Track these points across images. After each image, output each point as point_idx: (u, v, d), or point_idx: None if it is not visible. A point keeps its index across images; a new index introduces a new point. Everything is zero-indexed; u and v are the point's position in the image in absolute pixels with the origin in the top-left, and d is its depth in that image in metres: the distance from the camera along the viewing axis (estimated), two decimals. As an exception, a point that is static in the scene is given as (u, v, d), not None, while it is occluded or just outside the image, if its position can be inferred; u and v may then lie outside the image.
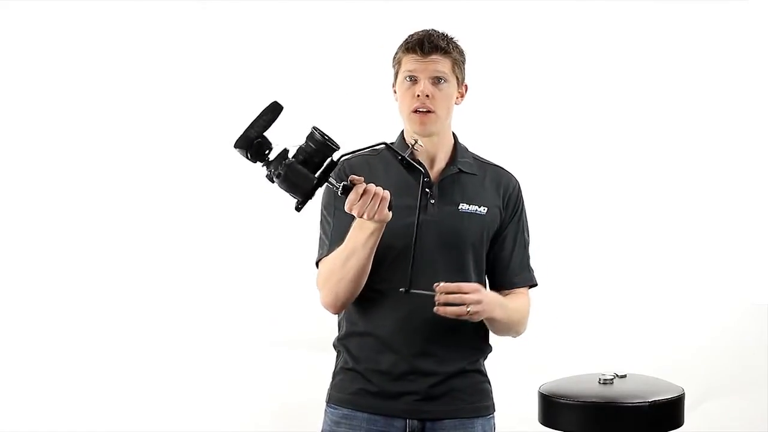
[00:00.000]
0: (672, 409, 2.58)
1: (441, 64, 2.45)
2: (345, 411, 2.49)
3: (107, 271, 4.25)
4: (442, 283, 2.32)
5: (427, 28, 2.50)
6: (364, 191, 2.24)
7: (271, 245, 4.08)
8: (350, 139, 2.64)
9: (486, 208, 2.51)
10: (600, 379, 2.65)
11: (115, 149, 4.30)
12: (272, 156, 2.21)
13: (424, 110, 2.44)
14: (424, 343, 2.45)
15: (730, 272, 4.29)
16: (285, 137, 4.19)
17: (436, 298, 2.32)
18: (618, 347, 4.11)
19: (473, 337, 2.51)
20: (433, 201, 2.45)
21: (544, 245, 2.76)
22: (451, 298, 2.32)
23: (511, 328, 2.53)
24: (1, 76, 4.28)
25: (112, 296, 4.24)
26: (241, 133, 2.20)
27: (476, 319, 2.37)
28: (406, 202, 2.40)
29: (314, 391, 2.76)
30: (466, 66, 2.52)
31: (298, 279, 3.23)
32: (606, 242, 4.31)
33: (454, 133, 2.56)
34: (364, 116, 3.88)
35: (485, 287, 2.52)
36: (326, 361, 2.61)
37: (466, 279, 2.43)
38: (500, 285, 2.55)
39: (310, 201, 2.22)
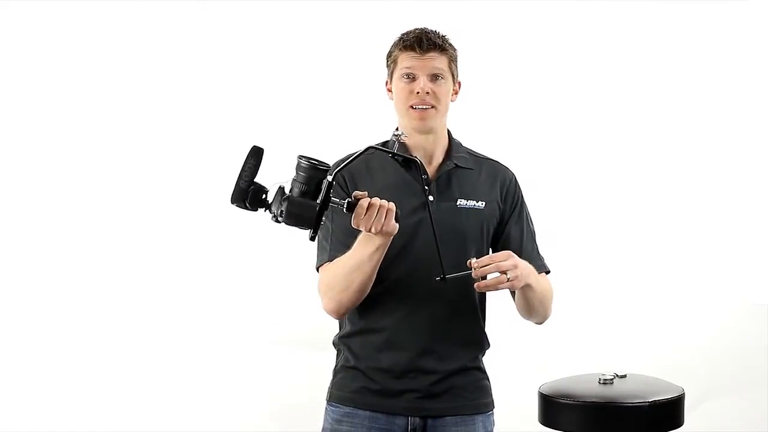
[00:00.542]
0: (672, 409, 2.58)
1: (438, 61, 2.46)
2: (347, 409, 2.49)
3: (107, 271, 4.25)
4: (474, 260, 2.32)
5: (419, 26, 2.51)
6: (369, 205, 2.24)
7: (271, 245, 4.08)
8: (349, 138, 2.65)
9: (484, 203, 2.51)
10: (600, 379, 2.65)
11: (115, 149, 4.30)
12: (270, 198, 2.21)
13: (423, 106, 2.45)
14: (426, 340, 2.46)
15: (730, 272, 4.29)
16: (285, 136, 4.23)
17: (473, 274, 2.31)
18: (618, 347, 4.11)
19: (473, 332, 2.52)
20: (431, 198, 2.46)
21: (544, 245, 2.75)
22: (487, 269, 2.32)
23: (543, 303, 2.52)
24: (1, 76, 4.29)
25: (112, 296, 4.24)
26: (233, 188, 2.21)
27: (517, 285, 2.35)
28: (406, 200, 2.40)
29: (314, 391, 2.76)
30: (459, 63, 2.53)
31: (298, 278, 3.23)
32: (606, 242, 4.31)
33: (448, 130, 2.57)
34: (362, 115, 3.88)
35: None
36: (326, 361, 2.61)
37: (468, 273, 2.43)
38: None
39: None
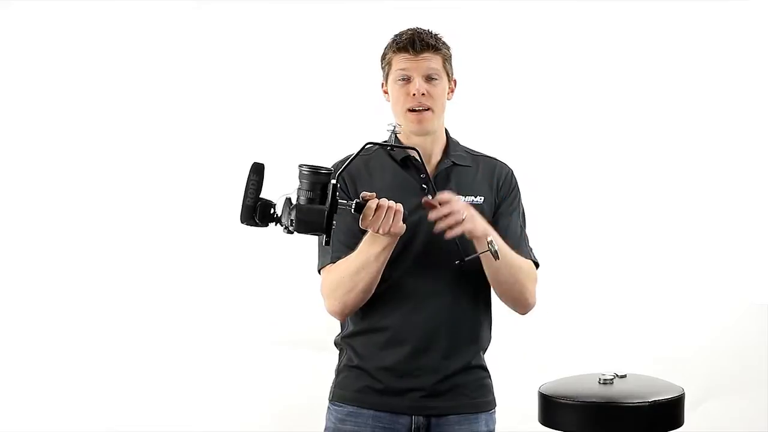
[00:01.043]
0: (672, 409, 2.58)
1: (433, 62, 2.46)
2: (350, 408, 2.49)
3: (107, 271, 4.26)
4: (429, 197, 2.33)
5: (412, 27, 2.51)
6: (378, 207, 2.26)
7: (272, 244, 4.08)
8: (347, 140, 2.65)
9: (482, 198, 2.52)
10: (600, 379, 2.65)
11: (115, 149, 4.30)
12: (279, 211, 2.23)
13: (420, 108, 2.45)
14: (428, 338, 2.46)
15: (730, 272, 4.29)
16: (283, 138, 4.23)
17: (430, 215, 2.32)
18: (618, 347, 4.11)
19: (475, 329, 2.52)
20: (430, 197, 2.46)
21: (544, 245, 2.75)
22: (443, 210, 2.31)
23: (515, 277, 2.46)
24: (1, 76, 4.29)
25: (113, 297, 4.24)
26: (241, 208, 2.22)
27: (470, 227, 2.32)
28: (405, 199, 2.40)
29: (316, 391, 2.77)
30: (454, 62, 2.53)
31: (299, 279, 3.23)
32: (606, 242, 4.31)
33: (446, 129, 2.57)
34: (359, 117, 3.87)
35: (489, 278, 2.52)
36: (328, 361, 2.62)
37: (470, 270, 2.44)
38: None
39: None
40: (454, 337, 2.47)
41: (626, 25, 4.33)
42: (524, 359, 4.02)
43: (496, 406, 2.58)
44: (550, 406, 2.62)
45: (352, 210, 2.26)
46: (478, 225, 2.36)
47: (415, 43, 2.45)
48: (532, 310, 2.56)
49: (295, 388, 4.14)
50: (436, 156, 2.53)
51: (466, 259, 2.36)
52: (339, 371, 2.55)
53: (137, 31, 4.31)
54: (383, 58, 2.52)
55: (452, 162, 2.53)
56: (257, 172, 2.23)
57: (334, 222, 2.22)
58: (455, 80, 2.54)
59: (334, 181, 2.21)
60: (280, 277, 4.16)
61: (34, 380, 4.17)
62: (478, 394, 2.52)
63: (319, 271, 2.51)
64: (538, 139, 4.31)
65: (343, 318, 2.49)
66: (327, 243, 2.26)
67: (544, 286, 2.65)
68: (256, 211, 2.22)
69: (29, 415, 4.13)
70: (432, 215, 2.33)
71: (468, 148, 2.60)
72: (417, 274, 2.44)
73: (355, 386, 2.49)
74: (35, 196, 4.27)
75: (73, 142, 4.29)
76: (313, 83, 4.29)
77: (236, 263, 4.25)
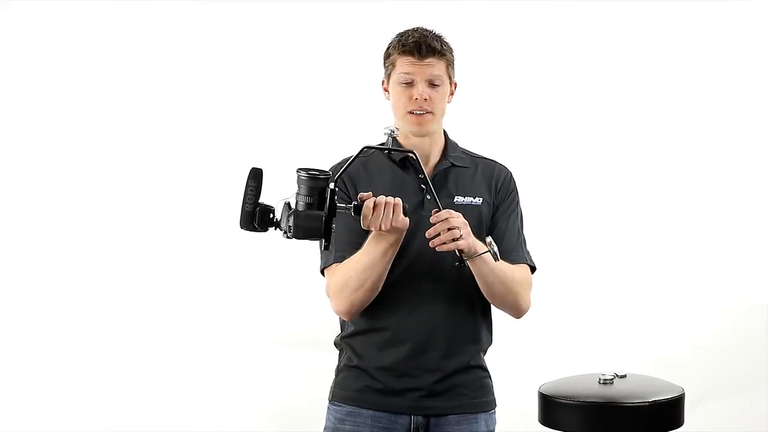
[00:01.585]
0: (672, 409, 2.58)
1: (437, 67, 2.46)
2: (349, 408, 2.49)
3: (107, 271, 4.26)
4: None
5: (417, 26, 2.50)
6: (375, 204, 2.26)
7: (272, 246, 4.08)
8: (347, 140, 2.65)
9: (481, 199, 2.52)
10: (600, 379, 2.65)
11: (115, 149, 4.30)
12: (278, 215, 2.22)
13: (421, 112, 2.45)
14: (428, 338, 2.46)
15: (730, 272, 4.29)
16: (284, 140, 4.23)
17: (427, 233, 2.32)
18: (618, 347, 4.11)
19: (475, 329, 2.52)
20: (429, 197, 2.46)
21: (544, 245, 2.76)
22: (439, 227, 2.31)
23: (505, 286, 2.45)
24: (1, 76, 4.29)
25: (112, 297, 4.24)
26: (240, 214, 2.22)
27: (463, 245, 2.32)
28: (405, 199, 2.40)
29: (316, 391, 2.77)
30: (455, 64, 2.53)
31: (299, 279, 3.23)
32: (606, 242, 4.31)
33: (444, 130, 2.57)
34: (357, 117, 3.88)
35: (482, 290, 2.52)
36: (327, 361, 2.62)
37: (467, 270, 2.44)
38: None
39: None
40: (453, 338, 2.47)
41: (626, 25, 4.33)
42: (524, 359, 4.02)
43: (496, 406, 2.58)
44: (550, 406, 2.62)
45: (352, 213, 2.26)
46: (471, 244, 2.35)
47: (422, 47, 2.44)
48: (527, 313, 2.55)
49: (295, 388, 4.14)
50: (435, 157, 2.53)
51: (466, 260, 2.36)
52: (339, 371, 2.55)
53: (137, 31, 4.31)
54: (387, 56, 2.51)
55: (451, 163, 2.53)
56: (256, 177, 2.22)
57: (334, 226, 2.22)
58: (456, 83, 2.54)
59: (332, 186, 2.21)
60: (280, 277, 4.16)
61: (34, 380, 4.17)
62: (477, 394, 2.52)
63: (321, 272, 2.50)
64: (538, 140, 4.31)
65: (351, 317, 2.47)
66: (326, 248, 2.26)
67: (544, 287, 2.66)
68: (256, 216, 2.22)
69: (29, 415, 4.13)
70: (429, 231, 2.32)
71: (467, 150, 2.60)
72: (416, 274, 2.44)
73: (355, 386, 2.49)
74: (35, 197, 4.27)
75: (73, 142, 4.29)
76: (311, 85, 4.30)
77: (236, 264, 4.24)
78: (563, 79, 4.34)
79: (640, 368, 2.88)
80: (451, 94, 2.53)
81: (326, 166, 2.33)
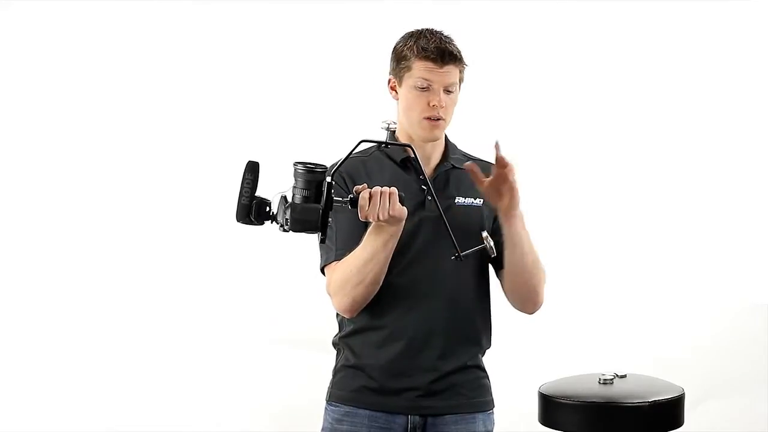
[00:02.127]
0: (672, 409, 2.58)
1: (454, 74, 2.45)
2: (347, 408, 2.49)
3: (105, 270, 4.25)
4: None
5: (427, 28, 2.48)
6: (371, 195, 2.25)
7: (270, 243, 4.08)
8: (345, 135, 2.65)
9: (481, 200, 2.52)
10: (600, 379, 2.65)
11: (114, 148, 4.30)
12: (274, 209, 2.23)
13: (437, 119, 2.45)
14: (425, 338, 2.46)
15: (730, 272, 4.29)
16: (281, 135, 4.23)
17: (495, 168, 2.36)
18: (618, 347, 4.11)
19: (473, 330, 2.52)
20: (429, 198, 2.45)
21: (544, 245, 2.75)
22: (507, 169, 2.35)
23: (536, 267, 2.48)
24: (1, 76, 4.29)
25: (111, 296, 4.24)
26: (236, 206, 2.22)
27: (516, 196, 2.38)
28: (405, 199, 2.41)
29: (314, 391, 2.76)
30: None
31: (299, 277, 3.23)
32: (606, 242, 4.31)
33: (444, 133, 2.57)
34: (356, 112, 3.88)
35: (488, 278, 2.54)
36: (326, 361, 2.61)
37: (469, 272, 2.46)
38: None
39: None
40: (450, 337, 2.47)
41: (626, 25, 4.33)
42: (524, 359, 4.02)
43: (494, 406, 2.58)
44: (550, 406, 2.62)
45: (349, 206, 2.26)
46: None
47: (444, 55, 2.43)
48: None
49: (293, 388, 4.14)
50: (435, 159, 2.53)
51: (462, 254, 2.36)
52: (336, 371, 2.55)
53: (137, 31, 4.31)
54: (401, 57, 2.47)
55: (452, 165, 2.53)
56: (252, 170, 2.23)
57: (330, 220, 2.22)
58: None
59: (329, 179, 2.21)
60: (279, 276, 4.16)
61: (34, 380, 4.17)
62: (475, 394, 2.53)
63: (322, 270, 2.50)
64: (537, 140, 4.30)
65: (352, 314, 2.46)
66: (322, 242, 2.27)
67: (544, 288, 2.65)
68: (252, 209, 2.22)
69: (29, 415, 4.13)
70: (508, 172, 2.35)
71: (466, 153, 2.60)
72: (415, 273, 2.44)
73: (352, 386, 2.50)
74: (35, 196, 4.27)
75: (73, 142, 4.29)
76: (308, 81, 4.29)
77: (235, 262, 4.25)
78: (563, 79, 4.34)
79: (640, 368, 2.88)
80: None
81: (323, 161, 2.33)
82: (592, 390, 2.60)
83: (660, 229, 4.33)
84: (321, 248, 2.48)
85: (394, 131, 2.47)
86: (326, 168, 2.23)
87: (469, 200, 2.51)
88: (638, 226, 4.33)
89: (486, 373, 2.57)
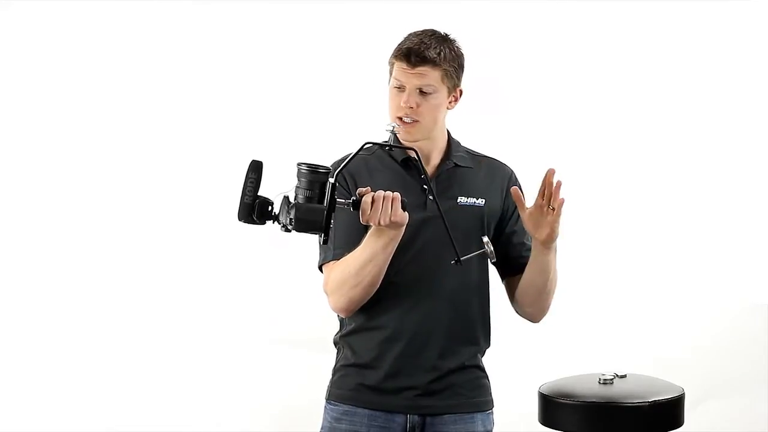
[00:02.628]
0: (672, 409, 2.58)
1: (428, 77, 2.43)
2: (346, 407, 2.50)
3: (106, 269, 4.26)
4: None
5: (426, 28, 2.48)
6: (373, 199, 2.25)
7: (271, 242, 4.09)
8: (348, 135, 2.65)
9: (484, 200, 2.52)
10: (600, 379, 2.65)
11: (114, 148, 4.30)
12: (277, 209, 2.23)
13: (408, 120, 2.44)
14: (424, 337, 2.46)
15: (730, 272, 4.29)
16: (283, 134, 4.23)
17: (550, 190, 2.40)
18: (618, 347, 4.11)
19: (472, 330, 2.52)
20: (431, 197, 2.45)
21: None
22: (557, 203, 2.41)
23: (553, 285, 2.54)
24: (1, 76, 4.29)
25: (111, 296, 4.24)
26: (239, 205, 2.22)
27: (556, 227, 2.43)
28: (407, 199, 2.41)
29: (315, 391, 2.76)
30: (462, 69, 2.49)
31: (300, 277, 3.23)
32: (606, 243, 4.31)
33: (447, 130, 2.56)
34: (359, 112, 3.88)
35: (488, 278, 2.54)
36: (326, 361, 2.61)
37: (469, 272, 2.45)
38: (522, 263, 2.55)
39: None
40: (450, 337, 2.48)
41: (626, 25, 4.33)
42: (524, 359, 4.02)
43: (493, 406, 2.58)
44: (550, 406, 2.62)
45: (351, 208, 2.26)
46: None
47: (411, 56, 2.41)
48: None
49: (293, 388, 4.14)
50: (436, 158, 2.52)
51: (462, 258, 2.36)
52: (336, 370, 2.55)
53: (137, 31, 4.31)
54: (390, 57, 2.49)
55: (454, 163, 2.52)
56: (255, 170, 2.23)
57: (333, 221, 2.22)
58: (461, 90, 2.51)
59: (332, 180, 2.21)
60: (279, 276, 4.15)
61: (34, 380, 4.17)
62: (474, 394, 2.53)
63: (320, 268, 2.50)
64: (537, 140, 4.30)
65: (348, 314, 2.47)
66: (325, 242, 2.27)
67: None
68: (254, 209, 2.22)
69: (29, 415, 4.13)
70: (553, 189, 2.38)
71: (469, 150, 2.59)
72: (415, 273, 2.44)
73: (351, 385, 2.50)
74: (35, 196, 4.27)
75: (73, 141, 4.29)
76: (310, 81, 4.30)
77: (235, 262, 4.25)
78: (564, 79, 4.34)
79: (640, 368, 2.87)
80: (455, 100, 2.50)
81: (326, 161, 2.33)
82: (592, 390, 2.60)
83: (660, 229, 4.33)
84: (320, 247, 2.49)
85: (398, 134, 2.47)
86: (329, 169, 2.24)
87: (471, 200, 2.51)
88: (638, 226, 4.33)
89: (485, 373, 2.57)
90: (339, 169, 2.27)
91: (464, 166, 2.53)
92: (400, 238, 2.34)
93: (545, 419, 2.65)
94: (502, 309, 2.61)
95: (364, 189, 2.28)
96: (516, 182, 2.59)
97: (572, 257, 4.17)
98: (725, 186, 4.32)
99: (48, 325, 4.21)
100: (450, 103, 2.49)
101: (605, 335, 4.17)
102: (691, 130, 4.34)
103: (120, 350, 4.21)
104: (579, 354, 3.99)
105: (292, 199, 2.22)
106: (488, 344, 2.58)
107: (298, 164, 2.22)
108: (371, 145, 2.34)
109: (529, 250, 2.52)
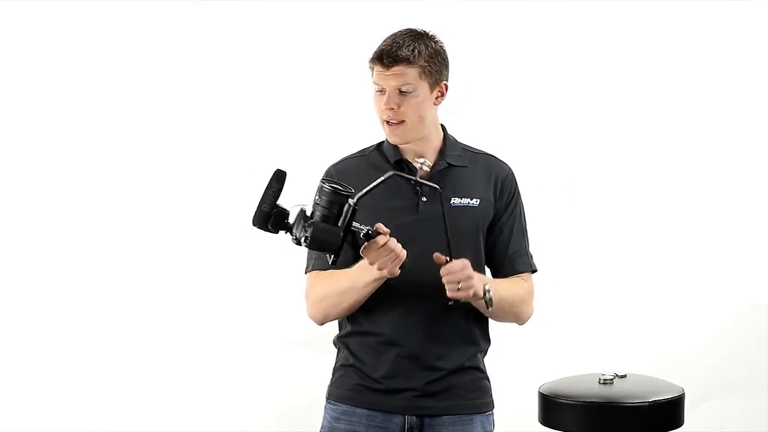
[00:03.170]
0: (672, 409, 2.58)
1: (405, 76, 2.41)
2: (344, 407, 2.50)
3: (110, 269, 4.25)
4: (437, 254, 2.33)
5: (403, 28, 2.46)
6: (384, 245, 2.26)
7: (272, 245, 4.08)
8: (349, 138, 2.65)
9: (478, 200, 2.50)
10: (600, 379, 2.66)
11: (119, 149, 4.30)
12: (291, 220, 2.23)
13: (394, 122, 2.43)
14: (423, 339, 2.45)
15: (730, 272, 4.29)
16: (285, 134, 4.23)
17: (445, 279, 2.33)
18: (618, 347, 4.11)
19: (471, 330, 2.51)
20: (424, 199, 2.45)
21: (544, 245, 2.75)
22: (445, 280, 2.33)
23: (513, 307, 2.50)
24: (1, 76, 4.29)
25: (113, 296, 4.24)
26: (255, 210, 2.23)
27: (469, 295, 2.34)
28: (398, 203, 2.41)
29: (315, 391, 2.77)
30: (443, 64, 2.46)
31: (299, 277, 3.22)
32: (606, 242, 4.31)
33: (443, 126, 2.55)
34: (361, 115, 3.88)
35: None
36: (327, 361, 2.62)
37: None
38: (501, 272, 2.54)
39: None
40: (448, 339, 2.47)
41: (626, 25, 4.33)
42: (524, 359, 4.02)
43: (493, 408, 2.56)
44: (550, 406, 2.62)
45: (362, 235, 2.26)
46: (478, 288, 2.36)
47: (384, 58, 2.40)
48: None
49: (293, 388, 4.14)
50: (430, 158, 2.49)
51: (453, 304, 2.36)
52: (335, 370, 2.56)
53: (138, 32, 4.30)
54: None
55: (447, 163, 2.50)
56: (279, 179, 2.23)
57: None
58: (446, 84, 2.48)
59: (353, 203, 2.21)
60: (280, 276, 4.14)
61: (34, 380, 4.17)
62: (473, 396, 2.51)
63: (306, 271, 2.52)
64: (537, 140, 4.31)
65: (322, 325, 2.52)
66: (334, 263, 2.26)
67: (544, 288, 2.65)
68: (271, 218, 2.22)
69: (29, 415, 4.13)
70: (446, 279, 2.32)
71: (466, 146, 2.57)
72: (411, 276, 2.41)
73: (350, 385, 2.50)
74: (36, 196, 4.27)
75: (74, 142, 4.29)
76: (311, 81, 4.28)
77: (240, 263, 4.24)
78: (564, 79, 4.34)
79: (640, 368, 2.88)
80: (441, 95, 2.47)
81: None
82: (592, 390, 2.61)
83: (660, 229, 4.33)
84: (307, 254, 2.50)
85: (427, 170, 2.43)
86: (351, 191, 2.22)
87: (465, 200, 2.49)
88: (638, 226, 4.33)
89: (485, 374, 2.56)
90: (360, 194, 2.24)
91: (458, 166, 2.51)
92: (381, 283, 2.36)
93: (545, 419, 2.65)
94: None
95: (384, 228, 2.28)
96: (513, 181, 2.56)
97: (572, 257, 4.20)
98: (725, 186, 4.32)
99: (49, 325, 4.20)
100: (436, 99, 2.46)
101: (605, 335, 4.17)
102: (691, 130, 4.34)
103: (121, 350, 4.21)
104: (579, 354, 3.99)
105: (308, 213, 2.22)
106: (489, 343, 2.57)
107: (322, 181, 2.22)
108: (398, 176, 2.31)
109: (512, 263, 2.52)
